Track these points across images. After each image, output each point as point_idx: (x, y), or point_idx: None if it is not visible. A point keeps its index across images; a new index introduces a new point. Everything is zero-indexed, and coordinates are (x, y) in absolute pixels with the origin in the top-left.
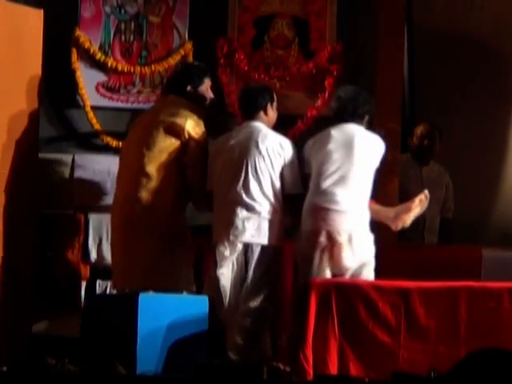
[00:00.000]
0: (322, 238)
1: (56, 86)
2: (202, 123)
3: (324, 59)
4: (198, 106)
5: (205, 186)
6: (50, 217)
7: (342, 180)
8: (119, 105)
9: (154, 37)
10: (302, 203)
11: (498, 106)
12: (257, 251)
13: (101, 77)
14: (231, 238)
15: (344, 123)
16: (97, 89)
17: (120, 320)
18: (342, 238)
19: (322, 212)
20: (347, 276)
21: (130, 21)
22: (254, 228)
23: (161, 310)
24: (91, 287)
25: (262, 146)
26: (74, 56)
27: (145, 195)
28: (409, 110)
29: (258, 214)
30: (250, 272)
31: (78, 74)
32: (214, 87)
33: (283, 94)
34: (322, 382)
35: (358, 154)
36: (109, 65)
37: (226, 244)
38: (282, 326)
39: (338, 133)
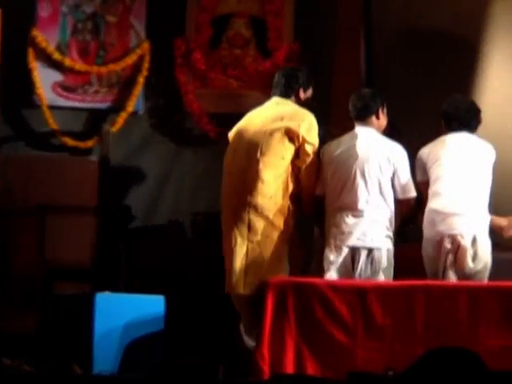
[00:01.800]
0: (446, 243)
1: (13, 85)
2: (314, 127)
3: (281, 58)
4: (307, 110)
5: (314, 191)
6: (6, 216)
7: (461, 185)
8: (76, 104)
9: (111, 36)
10: (415, 207)
11: None
12: (363, 255)
13: (58, 76)
14: (338, 242)
15: (457, 131)
16: (54, 88)
17: (77, 320)
18: (466, 242)
19: (443, 217)
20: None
21: (87, 20)
22: (361, 232)
23: (117, 310)
24: (48, 287)
25: (371, 152)
26: (31, 56)
27: (261, 201)
28: None
29: (365, 218)
30: (357, 276)
31: (35, 73)
32: (171, 87)
33: (240, 94)
34: (278, 381)
35: (473, 158)
36: (66, 64)
37: (333, 248)
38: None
39: (451, 140)
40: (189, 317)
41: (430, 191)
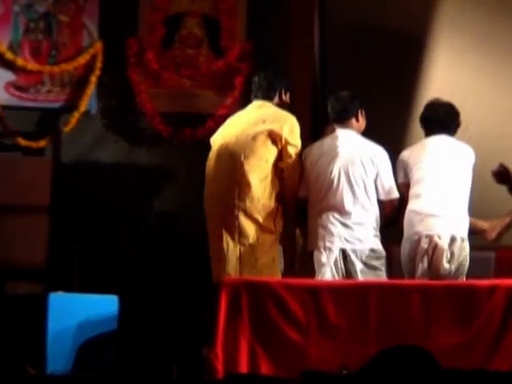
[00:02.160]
0: (423, 243)
1: None
2: (296, 129)
3: (234, 58)
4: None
5: (297, 193)
6: None
7: (441, 187)
8: (29, 104)
9: (63, 36)
10: (397, 208)
11: (410, 98)
12: (353, 256)
13: (10, 76)
14: (327, 244)
15: (436, 134)
16: (6, 88)
17: (30, 320)
18: (443, 242)
19: (422, 217)
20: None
21: (40, 20)
22: (350, 234)
23: (71, 310)
24: (1, 287)
25: (355, 154)
26: None
27: (249, 204)
28: (320, 109)
29: (352, 220)
30: (353, 277)
31: None
32: (124, 86)
33: (193, 93)
34: (232, 380)
35: (453, 161)
36: (18, 64)
37: (323, 250)
38: (192, 324)
39: (431, 143)
40: (143, 317)
41: (410, 193)
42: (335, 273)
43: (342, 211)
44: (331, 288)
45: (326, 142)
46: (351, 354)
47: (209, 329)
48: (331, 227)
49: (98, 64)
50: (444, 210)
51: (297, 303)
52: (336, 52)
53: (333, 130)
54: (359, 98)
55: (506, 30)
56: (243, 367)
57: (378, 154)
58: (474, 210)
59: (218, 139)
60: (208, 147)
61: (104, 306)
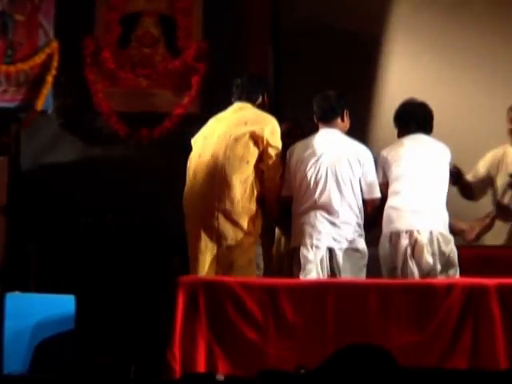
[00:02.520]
0: (403, 239)
1: None
2: (277, 131)
3: (191, 57)
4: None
5: (279, 193)
6: None
7: (419, 184)
8: None
9: (19, 35)
10: (378, 207)
11: (367, 99)
12: (339, 255)
13: None
14: (315, 242)
15: (414, 133)
16: None
17: None
18: (423, 238)
19: (401, 213)
20: (432, 276)
21: None
22: (337, 233)
23: (27, 310)
24: None
25: (342, 154)
26: None
27: (229, 206)
28: (274, 109)
29: (340, 219)
30: (337, 276)
31: None
32: (80, 86)
33: (150, 93)
34: (189, 380)
35: (430, 159)
36: None
37: (310, 247)
38: (150, 324)
39: (409, 141)
40: (100, 316)
41: (390, 190)
42: (320, 271)
43: (330, 210)
44: (289, 287)
45: (312, 140)
46: (309, 354)
47: (166, 328)
48: (319, 225)
49: (55, 63)
50: (422, 207)
51: (254, 303)
52: (291, 52)
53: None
54: (345, 98)
55: (460, 29)
56: (201, 367)
57: (364, 154)
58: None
59: (199, 139)
60: (164, 146)
61: (61, 305)
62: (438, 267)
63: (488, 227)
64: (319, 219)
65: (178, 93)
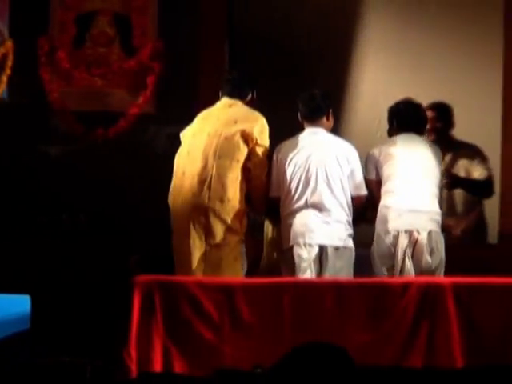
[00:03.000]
0: (403, 238)
1: None
2: (266, 130)
3: (146, 56)
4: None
5: (267, 192)
6: None
7: (414, 183)
8: None
9: None
10: (365, 205)
11: None
12: (331, 253)
13: None
14: (307, 240)
15: (406, 133)
16: None
17: None
18: (423, 237)
19: (399, 213)
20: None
21: None
22: (330, 231)
23: None
24: None
25: (331, 153)
26: None
27: (219, 204)
28: None
29: (332, 217)
30: (326, 274)
31: None
32: (36, 86)
33: (105, 92)
34: (145, 380)
35: (423, 158)
36: None
37: (303, 246)
38: (105, 324)
39: (402, 140)
40: (56, 316)
41: (383, 189)
42: (313, 269)
43: (321, 209)
44: (245, 287)
45: (299, 140)
46: (265, 353)
47: (122, 328)
48: (311, 224)
49: (9, 63)
50: (420, 206)
51: (210, 302)
52: (246, 51)
53: None
54: (330, 97)
55: (417, 26)
56: (157, 366)
57: (351, 152)
58: None
59: (187, 135)
60: (119, 146)
61: (16, 305)
62: (434, 266)
63: (473, 222)
64: (311, 218)
65: (133, 92)
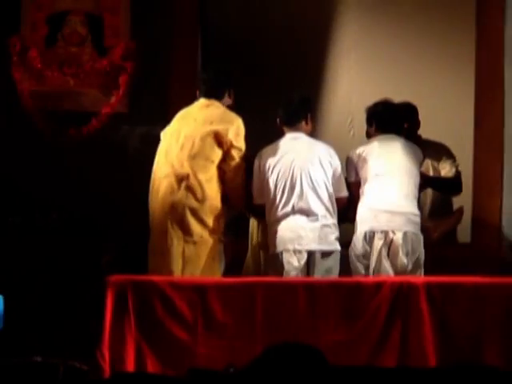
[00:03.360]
0: (378, 239)
1: None
2: (242, 132)
3: (118, 56)
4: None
5: (243, 193)
6: None
7: (392, 184)
8: None
9: None
10: (346, 206)
11: None
12: (319, 258)
13: None
14: (297, 247)
15: (387, 134)
16: None
17: None
18: (398, 238)
19: (375, 213)
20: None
21: None
22: (318, 236)
23: None
24: None
25: (315, 157)
26: None
27: (196, 203)
28: None
29: (319, 222)
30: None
31: None
32: (7, 85)
33: (77, 92)
34: (118, 380)
35: (403, 159)
36: None
37: (292, 253)
38: (78, 324)
39: (382, 141)
40: (30, 316)
41: (361, 190)
42: (300, 274)
43: (309, 214)
44: (218, 286)
45: (281, 145)
46: (238, 352)
47: (95, 328)
48: (300, 230)
49: None
50: (397, 207)
51: (183, 302)
52: (220, 51)
53: None
54: (309, 102)
55: (389, 26)
56: (130, 366)
57: (333, 155)
58: None
59: (167, 135)
60: (92, 145)
61: None
62: (410, 267)
63: (452, 225)
64: (299, 224)
65: (106, 92)
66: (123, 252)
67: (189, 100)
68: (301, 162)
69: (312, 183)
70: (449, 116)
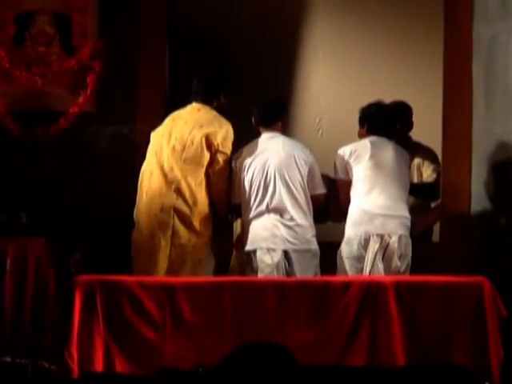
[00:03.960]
0: (374, 242)
1: None
2: (230, 137)
3: (86, 56)
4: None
5: (227, 197)
6: None
7: (386, 186)
8: None
9: None
10: (323, 204)
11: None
12: (295, 257)
13: None
14: (271, 245)
15: (377, 136)
16: None
17: None
18: (394, 241)
19: (370, 217)
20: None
21: None
22: (293, 235)
23: None
24: None
25: (290, 156)
26: None
27: (185, 206)
28: (172, 107)
29: (294, 221)
30: (294, 275)
31: None
32: None
33: (45, 91)
34: (87, 380)
35: (394, 161)
36: None
37: (266, 251)
38: (47, 324)
39: (373, 143)
40: None
41: (354, 191)
42: (276, 274)
43: (282, 213)
44: (186, 286)
45: (258, 145)
46: (207, 352)
47: (64, 328)
48: (274, 229)
49: None
50: (392, 210)
51: (152, 302)
52: (188, 51)
53: None
54: (284, 102)
55: (356, 24)
56: (98, 366)
57: (308, 154)
58: None
59: (157, 135)
60: (60, 145)
61: None
62: (402, 269)
63: (433, 221)
64: (273, 222)
65: (74, 91)
66: (92, 252)
67: (157, 100)
68: (275, 161)
69: (286, 182)
70: (417, 113)
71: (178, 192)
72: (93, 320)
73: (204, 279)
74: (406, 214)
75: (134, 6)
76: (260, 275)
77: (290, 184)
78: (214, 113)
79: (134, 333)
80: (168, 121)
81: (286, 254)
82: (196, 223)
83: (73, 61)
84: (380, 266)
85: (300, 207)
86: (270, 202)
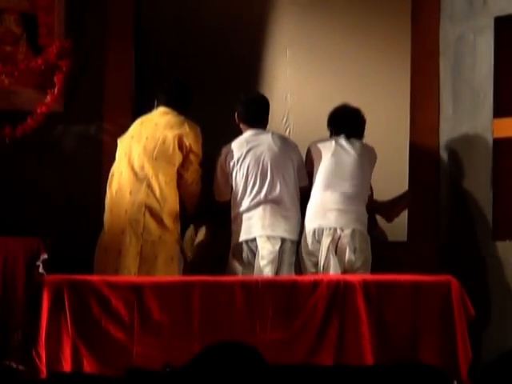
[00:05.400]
0: (326, 236)
1: None
2: (200, 138)
3: (53, 55)
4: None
5: (198, 201)
6: None
7: (343, 182)
8: None
9: None
10: (305, 195)
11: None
12: (288, 247)
13: None
14: (270, 232)
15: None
16: None
17: None
18: (345, 235)
19: (324, 211)
20: (352, 273)
21: None
22: (288, 225)
23: None
24: None
25: (281, 149)
26: None
27: (156, 203)
28: (139, 107)
29: (290, 212)
30: (283, 269)
31: None
32: None
33: (12, 91)
34: (55, 380)
35: (355, 158)
36: None
37: (266, 238)
38: (14, 324)
39: (338, 140)
40: None
41: (313, 188)
42: (275, 261)
43: (280, 203)
44: (154, 286)
45: (246, 140)
46: (175, 351)
47: (32, 328)
48: (271, 218)
49: None
50: (347, 206)
51: (120, 301)
52: (153, 52)
53: None
54: (267, 101)
55: (324, 21)
56: (66, 366)
57: (296, 147)
58: None
59: (125, 139)
60: (27, 145)
61: None
62: (358, 264)
63: (405, 206)
64: (271, 212)
65: (41, 91)
66: (60, 251)
67: (124, 99)
68: (270, 154)
69: (282, 174)
70: (385, 113)
71: (149, 189)
72: (61, 320)
73: (172, 278)
74: (363, 210)
75: (100, 6)
76: (262, 262)
77: (286, 176)
78: (182, 117)
79: (103, 333)
80: (136, 124)
81: (284, 242)
82: (166, 220)
83: (40, 60)
84: (333, 260)
85: (293, 198)
86: (269, 193)
